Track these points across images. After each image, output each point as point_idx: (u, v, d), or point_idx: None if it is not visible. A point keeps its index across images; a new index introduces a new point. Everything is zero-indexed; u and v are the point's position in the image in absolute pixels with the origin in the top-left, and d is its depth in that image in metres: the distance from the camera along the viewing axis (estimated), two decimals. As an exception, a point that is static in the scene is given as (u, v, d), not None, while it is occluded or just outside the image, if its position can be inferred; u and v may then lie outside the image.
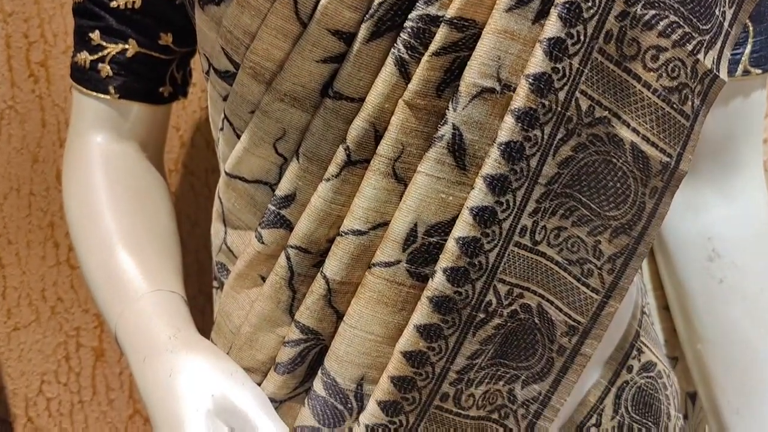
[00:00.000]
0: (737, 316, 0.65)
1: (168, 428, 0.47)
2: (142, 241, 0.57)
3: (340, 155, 0.44)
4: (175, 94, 0.62)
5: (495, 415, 0.50)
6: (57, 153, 0.82)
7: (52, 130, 0.82)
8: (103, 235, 0.57)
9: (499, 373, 0.48)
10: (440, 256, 0.44)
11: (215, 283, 0.58)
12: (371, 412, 0.46)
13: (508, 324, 0.47)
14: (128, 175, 0.61)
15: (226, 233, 0.54)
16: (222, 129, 0.51)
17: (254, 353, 0.51)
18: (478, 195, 0.42)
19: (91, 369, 0.87)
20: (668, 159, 0.45)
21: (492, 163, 0.42)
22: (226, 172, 0.51)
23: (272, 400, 0.49)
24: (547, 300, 0.47)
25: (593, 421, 0.55)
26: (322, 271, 0.46)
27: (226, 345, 0.53)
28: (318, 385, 0.48)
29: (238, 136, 0.49)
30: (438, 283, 0.43)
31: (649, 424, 0.57)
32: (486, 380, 0.48)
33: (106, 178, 0.59)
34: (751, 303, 0.64)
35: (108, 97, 0.58)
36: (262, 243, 0.49)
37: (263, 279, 0.50)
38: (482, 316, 0.45)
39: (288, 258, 0.47)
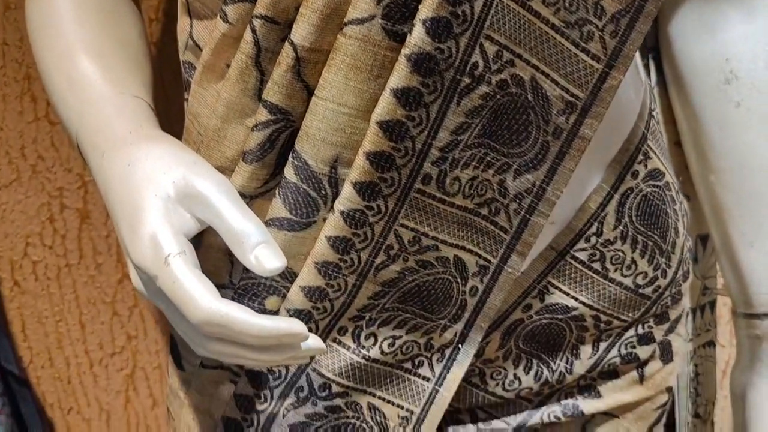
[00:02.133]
0: (754, 140, 0.60)
1: (128, 217, 0.43)
2: (107, 51, 0.53)
3: None
4: None
5: (484, 211, 0.46)
6: (29, -2, 0.77)
7: (23, -28, 0.76)
8: (66, 46, 0.53)
9: (488, 158, 0.44)
10: (419, 6, 0.39)
11: (186, 95, 0.54)
12: (347, 197, 0.42)
13: (498, 96, 0.42)
14: None
15: (191, 26, 0.49)
16: None
17: (223, 150, 0.46)
18: (460, -73, 0.37)
19: (77, 231, 0.84)
20: None
21: None
22: (187, -54, 0.46)
23: (242, 195, 0.45)
24: (542, 72, 0.42)
25: (593, 229, 0.51)
26: (289, 38, 0.41)
27: (194, 148, 0.49)
28: (289, 171, 0.43)
29: None
30: (417, 37, 0.39)
31: (655, 236, 0.52)
32: (473, 163, 0.43)
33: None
34: (770, 126, 0.59)
35: None
36: (227, 22, 0.44)
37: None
38: (467, 81, 0.40)
39: (254, 31, 0.42)
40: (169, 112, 0.69)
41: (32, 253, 0.84)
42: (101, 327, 0.87)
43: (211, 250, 0.47)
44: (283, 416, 0.48)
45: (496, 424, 0.54)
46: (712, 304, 0.71)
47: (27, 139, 0.81)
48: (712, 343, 0.71)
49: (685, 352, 0.68)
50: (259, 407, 0.48)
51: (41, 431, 0.85)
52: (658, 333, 0.55)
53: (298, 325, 0.40)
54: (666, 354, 0.56)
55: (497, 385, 0.52)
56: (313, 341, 0.43)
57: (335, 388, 0.48)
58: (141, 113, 0.49)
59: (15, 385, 0.83)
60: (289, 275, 0.46)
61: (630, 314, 0.53)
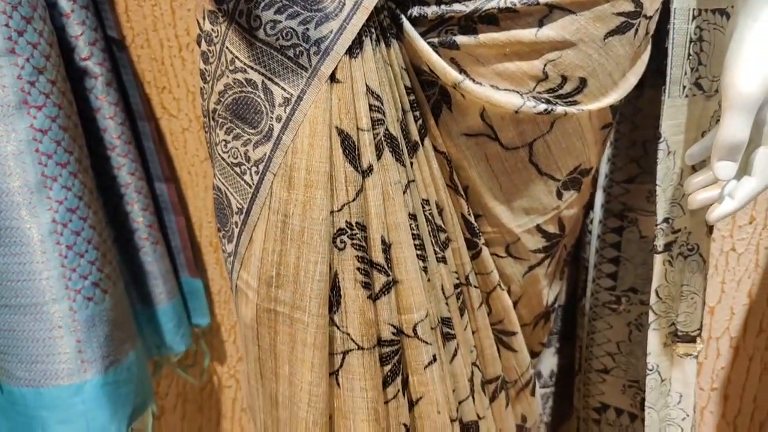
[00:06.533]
0: None
1: None
2: None
3: None
4: None
5: None
6: None
7: None
8: None
9: None
10: None
11: None
12: None
13: None
14: None
15: None
16: None
17: None
18: None
19: None
20: None
21: None
22: None
23: None
24: None
25: None
26: None
27: None
28: None
29: None
30: None
31: None
32: None
33: None
34: None
35: None
36: None
37: None
38: None
39: None
40: None
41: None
42: (188, 14, 1.01)
43: None
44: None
45: (456, 6, 0.59)
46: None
47: None
48: (724, 13, 0.71)
49: (687, 8, 0.69)
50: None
51: (138, 97, 1.02)
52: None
53: None
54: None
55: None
56: None
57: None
58: None
59: (117, 52, 1.00)
60: None
61: None
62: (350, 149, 0.59)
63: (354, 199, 0.60)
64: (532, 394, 0.82)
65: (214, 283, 1.18)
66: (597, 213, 0.87)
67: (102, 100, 0.97)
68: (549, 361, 0.98)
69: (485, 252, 0.70)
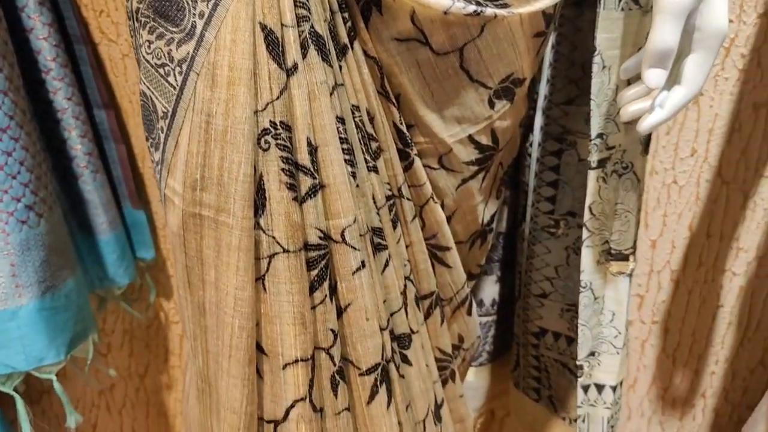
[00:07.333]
0: None
1: None
2: None
3: None
4: None
5: None
6: None
7: None
8: None
9: None
10: None
11: None
12: None
13: None
14: None
15: None
16: None
17: None
18: None
19: None
20: None
21: None
22: None
23: None
24: None
25: None
26: None
27: None
28: None
29: None
30: None
31: None
32: None
33: None
34: None
35: None
36: None
37: None
38: None
39: None
40: None
41: None
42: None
43: None
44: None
45: None
46: None
47: None
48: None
49: None
50: None
51: (74, 19, 0.98)
52: None
53: None
54: None
55: None
56: None
57: None
58: None
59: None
60: None
61: None
62: (274, 45, 0.58)
63: (278, 98, 0.58)
64: (469, 313, 0.83)
65: (158, 216, 1.16)
66: (536, 136, 0.87)
67: (35, 19, 0.93)
68: (490, 289, 0.99)
69: (418, 163, 0.70)
